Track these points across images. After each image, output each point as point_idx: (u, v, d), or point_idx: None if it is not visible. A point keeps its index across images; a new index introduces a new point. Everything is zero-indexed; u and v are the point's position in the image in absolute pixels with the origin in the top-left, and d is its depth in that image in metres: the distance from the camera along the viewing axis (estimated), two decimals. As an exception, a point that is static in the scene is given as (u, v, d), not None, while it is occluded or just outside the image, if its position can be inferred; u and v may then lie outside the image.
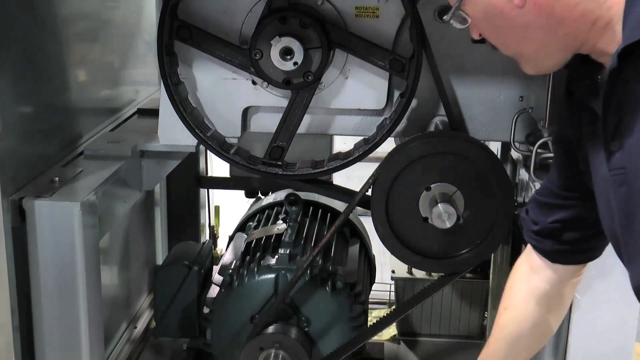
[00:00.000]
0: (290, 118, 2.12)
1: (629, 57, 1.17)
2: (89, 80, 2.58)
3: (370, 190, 2.07)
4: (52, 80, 2.27)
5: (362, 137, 2.18)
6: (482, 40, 2.17)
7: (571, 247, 1.63)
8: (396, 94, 2.18)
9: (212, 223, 3.63)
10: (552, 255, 1.66)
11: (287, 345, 2.22)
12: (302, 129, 2.16)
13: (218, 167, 3.40)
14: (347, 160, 2.13)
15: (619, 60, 1.17)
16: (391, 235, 2.08)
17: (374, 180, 2.05)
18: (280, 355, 2.22)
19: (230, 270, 2.36)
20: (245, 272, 2.31)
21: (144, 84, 3.04)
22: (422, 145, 2.02)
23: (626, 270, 1.36)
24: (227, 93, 2.20)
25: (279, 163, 2.15)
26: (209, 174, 3.47)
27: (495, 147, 2.67)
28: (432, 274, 3.12)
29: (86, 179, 2.10)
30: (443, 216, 1.99)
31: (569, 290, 1.74)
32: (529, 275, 1.73)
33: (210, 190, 3.56)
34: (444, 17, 1.33)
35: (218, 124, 2.22)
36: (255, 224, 2.73)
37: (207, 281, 2.63)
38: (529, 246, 1.72)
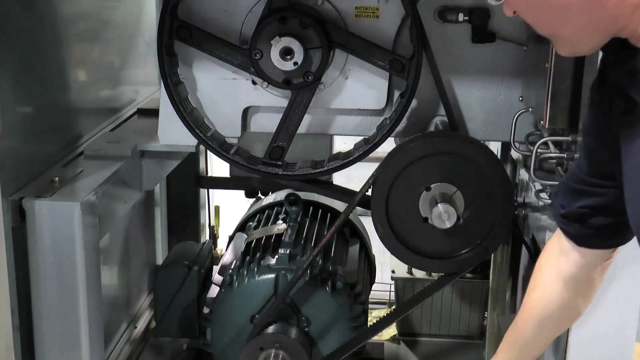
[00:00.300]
0: (290, 118, 2.12)
1: None
2: (89, 80, 2.58)
3: (370, 190, 2.07)
4: (52, 80, 2.27)
5: (362, 137, 2.18)
6: (482, 40, 2.18)
7: (598, 232, 1.60)
8: (396, 94, 2.18)
9: (212, 223, 3.63)
10: (579, 239, 1.64)
11: (287, 345, 2.22)
12: (302, 129, 2.16)
13: (218, 167, 3.40)
14: (347, 160, 2.13)
15: None
16: (391, 235, 2.08)
17: (374, 180, 2.05)
18: (280, 355, 2.22)
19: (230, 270, 2.36)
20: (245, 272, 2.31)
21: (144, 84, 3.04)
22: (422, 145, 2.02)
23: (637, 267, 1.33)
24: (227, 93, 2.20)
25: (279, 163, 2.15)
26: (209, 174, 3.47)
27: (495, 147, 2.67)
28: (432, 274, 3.12)
29: (86, 179, 2.10)
30: (443, 216, 1.99)
31: (598, 274, 1.71)
32: (558, 258, 1.71)
33: (210, 190, 3.56)
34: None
35: (218, 124, 2.22)
36: (255, 224, 2.73)
37: (207, 281, 2.63)
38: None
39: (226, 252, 2.68)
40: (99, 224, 2.07)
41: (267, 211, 2.81)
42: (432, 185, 2.02)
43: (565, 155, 2.02)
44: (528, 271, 2.85)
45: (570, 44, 1.28)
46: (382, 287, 3.45)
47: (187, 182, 3.32)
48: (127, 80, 2.89)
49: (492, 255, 2.76)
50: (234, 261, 2.43)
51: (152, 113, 2.56)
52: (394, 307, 3.37)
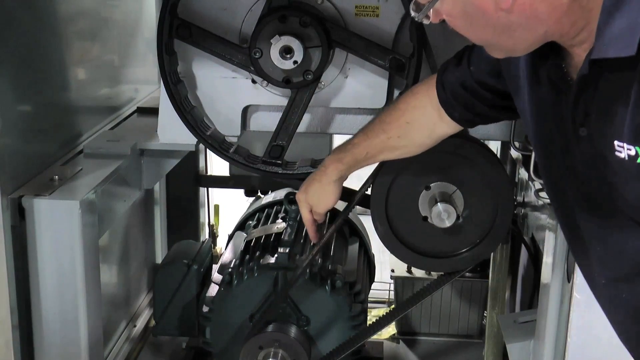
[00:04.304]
0: (290, 117, 2.12)
1: (599, 66, 1.20)
2: (89, 78, 2.57)
3: (370, 189, 2.07)
4: (51, 79, 2.27)
5: (361, 136, 2.18)
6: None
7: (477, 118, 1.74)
8: (396, 93, 2.17)
9: (212, 222, 3.64)
10: (462, 121, 1.75)
11: (287, 344, 2.22)
12: (301, 127, 2.16)
13: (218, 165, 3.40)
14: (346, 159, 2.12)
15: (589, 67, 1.21)
16: (390, 234, 2.08)
17: (373, 179, 2.05)
18: (280, 354, 2.22)
19: (230, 269, 2.36)
20: (244, 271, 2.31)
21: (143, 82, 3.04)
22: (421, 144, 2.01)
23: None
24: (227, 92, 2.20)
25: (279, 162, 2.15)
26: (209, 173, 3.47)
27: (495, 146, 2.67)
28: (432, 273, 3.12)
29: (86, 177, 2.10)
30: (442, 215, 1.99)
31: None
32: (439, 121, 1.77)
33: (209, 189, 3.56)
34: (412, 14, 1.30)
35: (218, 123, 2.22)
36: (254, 222, 2.73)
37: (206, 280, 2.63)
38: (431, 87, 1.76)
39: (226, 251, 2.68)
40: (98, 223, 2.07)
41: (266, 210, 2.81)
42: (431, 185, 2.02)
43: (564, 155, 2.02)
44: (527, 270, 2.86)
45: (506, 51, 1.33)
46: (382, 286, 3.45)
47: (187, 180, 3.32)
48: (127, 79, 2.89)
49: (492, 254, 2.76)
50: (234, 260, 2.43)
51: (151, 112, 2.56)
52: (393, 306, 3.37)
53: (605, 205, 1.33)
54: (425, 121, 1.78)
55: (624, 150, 1.18)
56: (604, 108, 1.22)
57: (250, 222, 2.76)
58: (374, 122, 1.87)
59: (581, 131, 1.27)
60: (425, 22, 1.31)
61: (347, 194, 2.20)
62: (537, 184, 2.09)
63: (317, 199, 1.98)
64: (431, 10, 1.28)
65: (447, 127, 1.77)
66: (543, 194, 2.07)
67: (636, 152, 1.17)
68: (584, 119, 1.26)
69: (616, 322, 1.48)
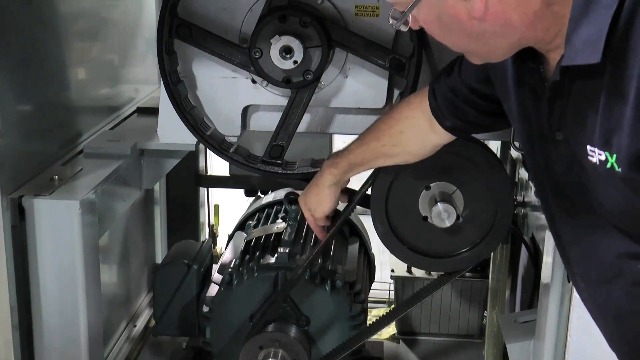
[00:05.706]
0: (290, 117, 2.12)
1: (570, 72, 1.22)
2: (89, 78, 2.57)
3: (370, 189, 2.07)
4: (51, 79, 2.27)
5: (361, 136, 2.18)
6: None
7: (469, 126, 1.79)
8: (396, 92, 2.18)
9: (212, 222, 3.63)
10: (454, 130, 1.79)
11: (287, 344, 2.22)
12: (301, 127, 2.16)
13: (217, 165, 3.40)
14: (346, 159, 2.12)
15: (561, 73, 1.23)
16: (391, 234, 2.08)
17: (374, 179, 2.05)
18: (280, 354, 2.21)
19: (230, 269, 2.36)
20: (244, 271, 2.31)
21: (143, 82, 3.04)
22: (421, 144, 2.01)
23: None
24: (227, 92, 2.20)
25: (279, 162, 2.15)
26: (209, 173, 3.47)
27: (495, 146, 2.67)
28: (432, 273, 3.12)
29: (86, 177, 2.10)
30: (442, 215, 1.99)
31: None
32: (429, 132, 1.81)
33: (209, 188, 3.56)
34: (390, 22, 1.33)
35: (218, 123, 2.22)
36: (254, 222, 2.73)
37: (206, 280, 2.63)
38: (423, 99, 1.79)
39: (226, 251, 2.68)
40: (98, 223, 2.07)
41: (266, 210, 2.80)
42: (431, 184, 2.02)
43: (564, 155, 2.02)
44: (527, 270, 2.86)
45: (483, 58, 1.36)
46: (382, 286, 3.45)
47: (187, 180, 3.32)
48: (127, 79, 2.89)
49: (492, 254, 2.76)
50: (234, 260, 2.43)
51: (151, 112, 2.56)
52: (393, 306, 3.37)
53: (581, 208, 1.36)
54: (417, 131, 1.82)
55: (595, 155, 1.22)
56: (576, 113, 1.25)
57: (250, 222, 2.76)
58: (370, 129, 1.91)
59: (557, 135, 1.31)
60: (404, 29, 1.34)
61: (347, 194, 2.20)
62: (537, 184, 2.08)
63: (314, 203, 2.02)
64: (410, 16, 1.30)
65: (439, 137, 1.80)
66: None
67: (606, 157, 1.19)
68: (560, 123, 1.29)
69: (599, 324, 1.49)
